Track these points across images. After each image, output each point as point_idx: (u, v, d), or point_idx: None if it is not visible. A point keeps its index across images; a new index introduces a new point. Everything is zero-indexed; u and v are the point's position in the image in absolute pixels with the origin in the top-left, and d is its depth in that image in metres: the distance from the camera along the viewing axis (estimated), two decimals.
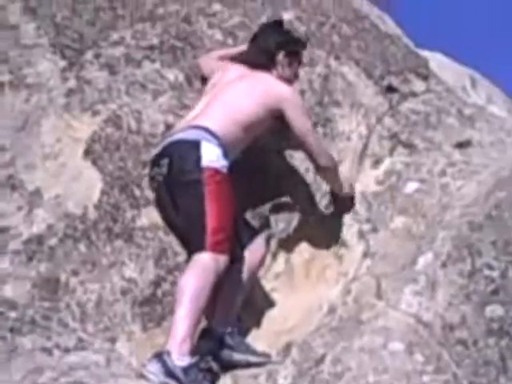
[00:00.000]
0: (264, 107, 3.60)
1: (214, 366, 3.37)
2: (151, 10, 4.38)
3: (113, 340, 3.50)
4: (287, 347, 3.59)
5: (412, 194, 4.00)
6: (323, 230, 3.99)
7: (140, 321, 3.56)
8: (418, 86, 4.47)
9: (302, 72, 4.12)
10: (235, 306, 3.56)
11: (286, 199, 3.96)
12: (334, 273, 3.89)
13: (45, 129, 3.95)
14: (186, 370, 3.15)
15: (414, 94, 4.43)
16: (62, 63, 4.15)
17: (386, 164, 4.17)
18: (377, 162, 4.14)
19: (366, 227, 3.96)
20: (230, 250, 3.35)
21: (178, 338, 3.18)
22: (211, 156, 3.37)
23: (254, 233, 3.66)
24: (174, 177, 3.39)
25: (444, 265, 3.50)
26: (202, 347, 3.39)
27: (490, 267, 3.44)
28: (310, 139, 3.66)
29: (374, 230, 3.94)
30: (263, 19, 4.39)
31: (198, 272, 3.26)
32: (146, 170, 3.79)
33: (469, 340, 3.30)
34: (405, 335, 3.34)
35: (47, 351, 3.32)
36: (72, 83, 4.09)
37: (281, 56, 3.77)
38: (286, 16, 4.39)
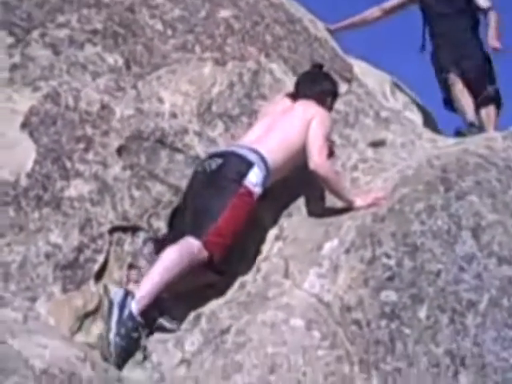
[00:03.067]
0: (306, 124, 3.98)
1: (144, 338, 3.59)
2: None
3: (33, 299, 3.55)
4: (197, 317, 3.72)
5: None
6: None
7: (61, 283, 3.63)
8: (341, 87, 4.64)
9: (233, 65, 4.37)
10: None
11: None
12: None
13: None
14: (130, 315, 3.46)
15: None
16: (9, 40, 4.26)
17: None
18: None
19: (282, 212, 4.11)
20: (216, 257, 3.67)
21: (141, 291, 3.52)
22: (254, 180, 3.78)
23: None
24: (217, 176, 3.80)
25: (347, 251, 3.68)
26: None
27: (388, 256, 3.62)
28: (318, 142, 3.95)
29: (289, 215, 4.10)
30: (202, 14, 4.58)
31: (182, 251, 3.60)
32: (80, 145, 3.98)
33: (363, 321, 3.46)
34: (305, 313, 3.50)
35: None
36: (17, 59, 4.20)
37: (329, 100, 4.28)
38: (224, 13, 4.61)
